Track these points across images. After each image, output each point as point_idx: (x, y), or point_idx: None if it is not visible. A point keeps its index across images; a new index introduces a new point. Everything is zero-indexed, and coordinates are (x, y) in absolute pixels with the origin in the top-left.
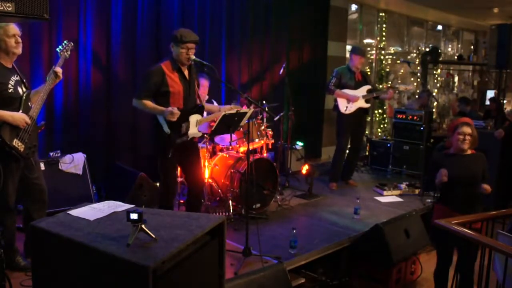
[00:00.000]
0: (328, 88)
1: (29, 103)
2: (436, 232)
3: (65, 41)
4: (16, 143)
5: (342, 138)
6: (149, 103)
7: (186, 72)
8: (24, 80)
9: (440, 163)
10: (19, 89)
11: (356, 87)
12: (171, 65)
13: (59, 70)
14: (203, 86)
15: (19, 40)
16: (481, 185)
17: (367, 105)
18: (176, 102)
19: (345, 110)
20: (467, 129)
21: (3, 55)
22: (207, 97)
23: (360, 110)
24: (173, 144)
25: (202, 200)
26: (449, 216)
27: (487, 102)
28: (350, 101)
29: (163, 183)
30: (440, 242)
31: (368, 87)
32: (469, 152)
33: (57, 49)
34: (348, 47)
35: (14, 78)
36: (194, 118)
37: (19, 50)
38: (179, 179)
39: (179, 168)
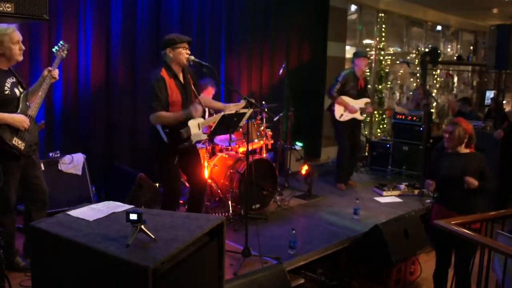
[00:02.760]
0: (330, 93)
1: (27, 103)
2: (434, 233)
3: (61, 42)
4: (16, 141)
5: (341, 139)
6: (168, 113)
7: (181, 76)
8: (21, 81)
9: (436, 160)
10: (16, 91)
11: (357, 96)
12: (167, 73)
13: (56, 72)
14: (209, 92)
15: (23, 47)
16: (465, 177)
17: (361, 117)
18: (176, 111)
19: (340, 117)
20: (448, 128)
21: (4, 60)
22: None
23: (355, 119)
24: (177, 151)
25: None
26: (446, 216)
27: (487, 102)
28: (348, 111)
29: (168, 188)
30: (438, 242)
31: (367, 100)
32: (466, 151)
33: (53, 50)
34: (348, 48)
35: (10, 80)
36: (195, 122)
37: (21, 57)
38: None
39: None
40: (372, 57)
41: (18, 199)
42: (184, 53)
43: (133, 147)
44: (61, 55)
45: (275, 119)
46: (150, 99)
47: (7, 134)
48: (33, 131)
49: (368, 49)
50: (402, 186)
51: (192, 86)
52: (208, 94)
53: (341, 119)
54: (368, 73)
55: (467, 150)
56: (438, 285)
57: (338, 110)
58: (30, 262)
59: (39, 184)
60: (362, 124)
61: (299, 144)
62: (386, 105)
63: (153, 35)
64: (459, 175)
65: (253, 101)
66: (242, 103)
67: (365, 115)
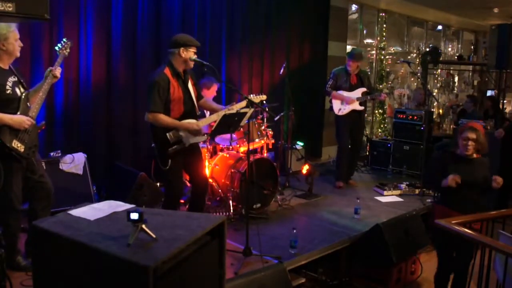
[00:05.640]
0: (325, 90)
1: (28, 104)
2: (437, 234)
3: (64, 39)
4: (15, 144)
5: (341, 138)
6: (168, 118)
7: (183, 76)
8: (22, 81)
9: (445, 163)
10: (17, 90)
11: (350, 89)
12: (170, 71)
13: (58, 70)
14: (214, 89)
15: (21, 43)
16: (494, 177)
17: (360, 108)
18: (176, 108)
19: (339, 111)
20: (471, 135)
21: (5, 57)
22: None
23: (355, 112)
24: (167, 154)
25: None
26: (451, 217)
27: None
28: (345, 102)
29: (170, 187)
30: (440, 243)
31: (363, 89)
32: (475, 156)
33: (56, 48)
34: (349, 47)
35: (12, 79)
36: (191, 122)
37: (19, 54)
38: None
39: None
40: (373, 57)
41: (24, 199)
42: (193, 56)
43: (134, 146)
44: (63, 53)
45: (276, 118)
46: (150, 97)
47: (7, 136)
48: (33, 133)
49: (369, 49)
50: (403, 186)
51: (194, 87)
52: (213, 91)
53: (340, 113)
54: (369, 71)
55: (475, 156)
56: (439, 287)
57: (336, 105)
58: (31, 261)
59: (44, 182)
60: (365, 120)
61: (300, 144)
62: (386, 104)
63: (154, 35)
64: (470, 180)
65: (255, 93)
66: (243, 103)
67: (363, 107)
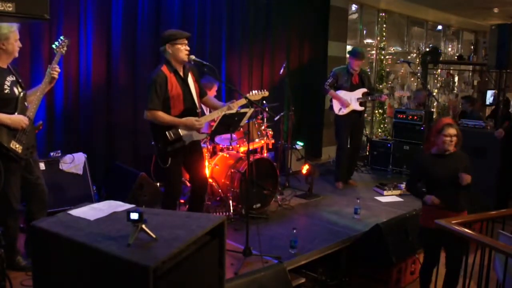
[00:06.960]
0: (323, 87)
1: (26, 103)
2: (422, 232)
3: (61, 37)
4: (13, 145)
5: (341, 138)
6: (166, 115)
7: (181, 72)
8: (20, 80)
9: (424, 165)
10: (15, 90)
11: (351, 89)
12: (167, 68)
13: (57, 69)
14: (214, 90)
15: (20, 44)
16: (460, 174)
17: (361, 108)
18: (176, 105)
19: (339, 111)
20: (452, 131)
21: (4, 57)
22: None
23: (355, 112)
24: (170, 152)
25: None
26: (439, 215)
27: (487, 102)
28: (341, 104)
29: (169, 186)
30: (426, 242)
31: (364, 90)
32: (451, 150)
33: (53, 46)
34: (349, 47)
35: (10, 78)
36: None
37: (17, 54)
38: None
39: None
40: (372, 57)
41: (21, 199)
42: (183, 50)
43: (134, 146)
44: (61, 51)
45: (276, 118)
46: (149, 95)
47: (5, 137)
48: (31, 134)
49: (368, 49)
50: (403, 186)
51: (195, 83)
52: (213, 91)
53: (341, 113)
54: (369, 71)
55: (452, 150)
56: (424, 282)
57: (336, 104)
58: (31, 261)
59: (39, 184)
60: (364, 120)
61: (299, 144)
62: (386, 104)
63: (153, 34)
64: (453, 175)
65: (257, 94)
66: (243, 99)
67: (363, 107)
